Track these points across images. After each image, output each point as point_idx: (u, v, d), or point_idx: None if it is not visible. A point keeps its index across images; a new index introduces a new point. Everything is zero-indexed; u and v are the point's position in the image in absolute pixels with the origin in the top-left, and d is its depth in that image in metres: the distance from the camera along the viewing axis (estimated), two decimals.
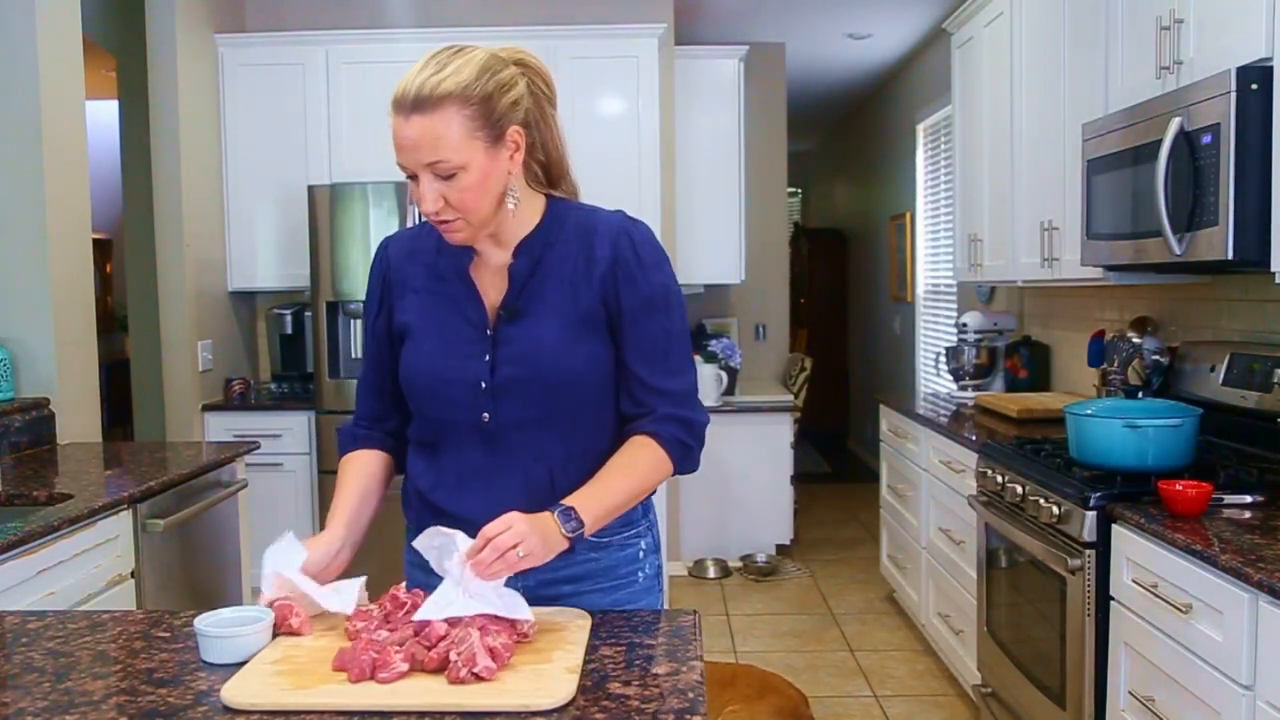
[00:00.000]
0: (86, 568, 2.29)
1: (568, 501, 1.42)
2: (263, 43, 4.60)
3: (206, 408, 4.40)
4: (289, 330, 4.63)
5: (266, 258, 4.62)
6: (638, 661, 1.30)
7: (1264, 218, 2.11)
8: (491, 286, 1.53)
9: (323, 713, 1.14)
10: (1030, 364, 4.08)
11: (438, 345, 1.53)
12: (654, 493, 1.60)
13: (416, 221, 4.08)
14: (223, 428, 4.36)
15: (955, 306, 5.61)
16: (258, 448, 3.32)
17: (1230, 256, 2.15)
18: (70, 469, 2.80)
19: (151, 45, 4.27)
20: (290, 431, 4.33)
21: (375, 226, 4.17)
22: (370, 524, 1.61)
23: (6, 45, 3.04)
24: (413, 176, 1.43)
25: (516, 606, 1.33)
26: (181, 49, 4.27)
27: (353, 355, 4.27)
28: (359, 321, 4.25)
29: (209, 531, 2.94)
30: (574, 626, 1.37)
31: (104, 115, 5.26)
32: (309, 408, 4.32)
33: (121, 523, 2.43)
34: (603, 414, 1.54)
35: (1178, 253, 2.33)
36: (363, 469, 1.62)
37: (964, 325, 4.20)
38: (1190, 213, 2.28)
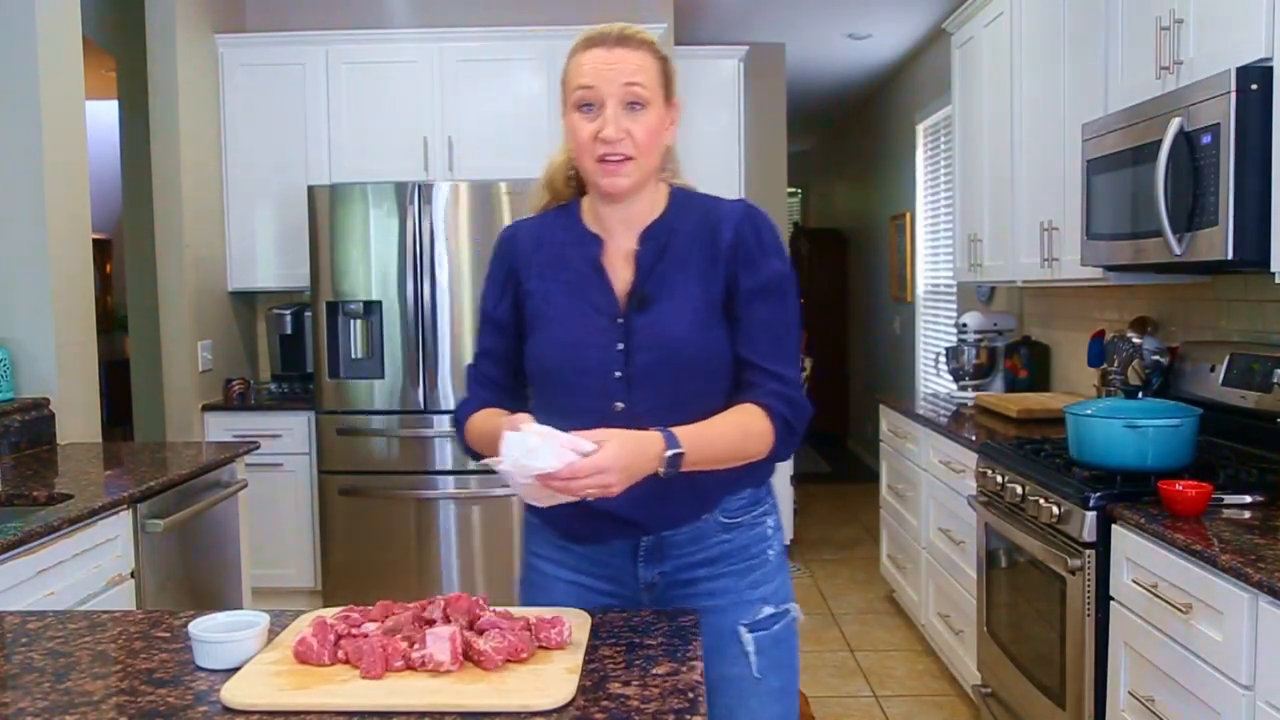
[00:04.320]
0: (86, 568, 2.29)
1: (677, 432, 1.39)
2: (263, 43, 4.60)
3: (206, 408, 4.40)
4: (289, 330, 4.63)
5: (266, 258, 4.62)
6: (638, 661, 1.30)
7: (1264, 218, 2.11)
8: (618, 275, 1.54)
9: (322, 713, 1.14)
10: (1030, 364, 4.08)
11: (569, 334, 1.53)
12: (773, 471, 1.62)
13: (418, 221, 4.12)
14: (223, 428, 4.36)
15: (955, 306, 5.61)
16: (258, 448, 3.32)
17: (1230, 256, 2.15)
18: (70, 469, 2.80)
19: (151, 45, 4.27)
20: (290, 431, 4.33)
21: (375, 226, 4.17)
22: None
23: (6, 45, 3.04)
24: (589, 106, 1.46)
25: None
26: (181, 49, 4.27)
27: (353, 355, 4.27)
28: (359, 322, 4.25)
29: (209, 531, 2.94)
30: (574, 626, 1.37)
31: (104, 115, 5.26)
32: (309, 408, 4.32)
33: (121, 523, 2.43)
34: (727, 400, 1.53)
35: (1177, 253, 2.33)
36: (499, 413, 1.56)
37: (964, 325, 4.20)
38: (1190, 213, 2.28)
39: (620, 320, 1.51)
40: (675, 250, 1.53)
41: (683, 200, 1.57)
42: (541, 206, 1.66)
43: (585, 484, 1.30)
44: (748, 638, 1.55)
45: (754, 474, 1.56)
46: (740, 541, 1.58)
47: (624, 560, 1.57)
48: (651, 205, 1.55)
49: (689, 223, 1.54)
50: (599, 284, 1.53)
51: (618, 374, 1.49)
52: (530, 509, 1.62)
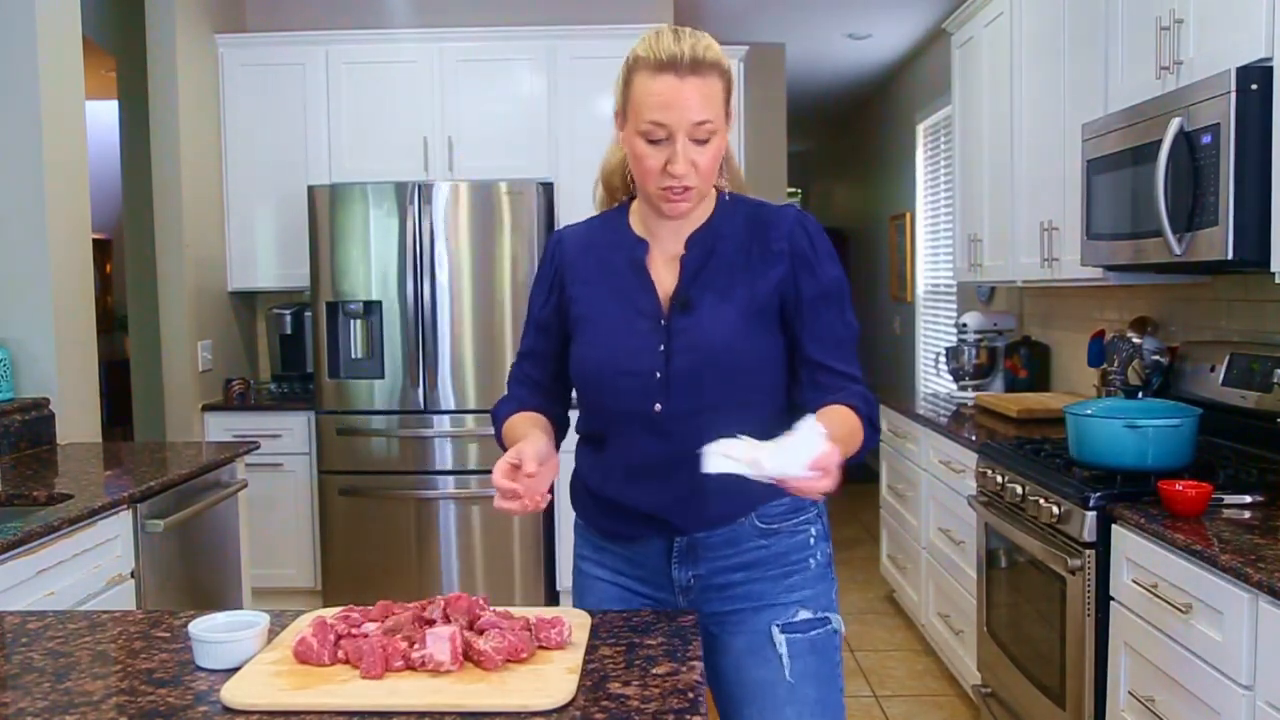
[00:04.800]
0: (86, 568, 2.29)
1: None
2: (263, 43, 4.60)
3: (206, 408, 4.40)
4: (289, 330, 4.63)
5: (266, 258, 4.62)
6: (638, 661, 1.30)
7: (1264, 218, 2.11)
8: (663, 278, 1.55)
9: (322, 713, 1.14)
10: (1030, 364, 4.08)
11: (611, 337, 1.54)
12: None
13: (418, 221, 4.12)
14: (222, 428, 4.36)
15: (955, 306, 5.61)
16: (258, 448, 3.32)
17: (1230, 256, 2.15)
18: (70, 469, 2.80)
19: (151, 45, 4.27)
20: (290, 431, 4.33)
21: (375, 226, 4.17)
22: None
23: (6, 45, 3.04)
24: (658, 140, 1.43)
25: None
26: (181, 49, 4.27)
27: (352, 355, 4.27)
28: (359, 322, 4.25)
29: (209, 531, 2.94)
30: (574, 626, 1.37)
31: (104, 115, 5.26)
32: (309, 408, 4.32)
33: (121, 523, 2.43)
34: (772, 405, 1.54)
35: (1178, 253, 2.33)
36: (533, 416, 1.61)
37: (964, 325, 4.20)
38: (1190, 213, 2.28)
39: (663, 322, 1.52)
40: (721, 255, 1.54)
41: (730, 205, 1.58)
42: (599, 200, 1.69)
43: (825, 482, 1.25)
44: (780, 638, 1.54)
45: None
46: (778, 548, 1.57)
47: (659, 561, 1.58)
48: (700, 210, 1.56)
49: (736, 227, 1.55)
50: (643, 287, 1.55)
51: (658, 375, 1.50)
52: (577, 512, 1.65)
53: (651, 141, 1.44)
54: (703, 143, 1.44)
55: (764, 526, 1.55)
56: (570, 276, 1.61)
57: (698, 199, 1.49)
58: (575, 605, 1.64)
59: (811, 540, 1.60)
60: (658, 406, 1.50)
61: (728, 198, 1.59)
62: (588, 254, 1.61)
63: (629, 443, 1.55)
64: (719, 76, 1.44)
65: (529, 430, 1.54)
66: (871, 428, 1.50)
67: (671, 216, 1.52)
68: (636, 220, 1.60)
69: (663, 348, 1.51)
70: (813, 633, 1.56)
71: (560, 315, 1.62)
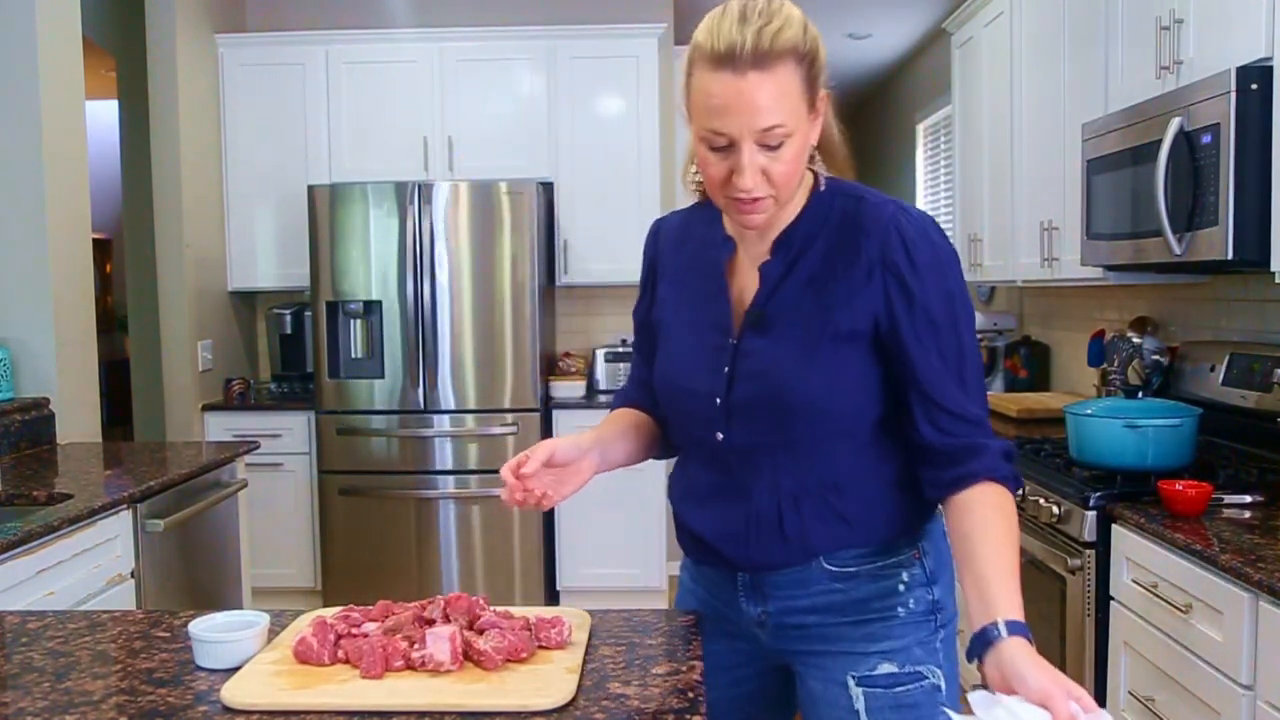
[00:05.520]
0: (86, 568, 2.29)
1: (1013, 616, 1.14)
2: (263, 43, 4.60)
3: (206, 408, 4.40)
4: (289, 330, 4.63)
5: (266, 258, 4.62)
6: (638, 661, 1.30)
7: (1264, 218, 2.11)
8: (744, 288, 1.36)
9: (322, 713, 1.14)
10: (1030, 364, 4.08)
11: (682, 349, 1.40)
12: (931, 519, 1.40)
13: (418, 221, 4.12)
14: (223, 428, 4.36)
15: None
16: (258, 448, 3.32)
17: (1230, 256, 2.15)
18: (70, 469, 2.80)
19: (151, 45, 4.27)
20: (290, 431, 4.33)
21: (375, 226, 4.17)
22: (623, 459, 1.47)
23: (6, 45, 3.04)
24: (721, 147, 1.22)
25: None
26: (181, 49, 4.27)
27: (353, 355, 4.27)
28: (359, 321, 4.25)
29: (209, 531, 2.94)
30: (574, 626, 1.37)
31: (104, 115, 5.26)
32: (309, 408, 4.32)
33: (121, 523, 2.43)
34: (847, 445, 1.33)
35: (1177, 253, 2.33)
36: (628, 414, 1.50)
37: None
38: (1190, 213, 2.28)
39: (732, 340, 1.35)
40: (807, 264, 1.32)
41: (826, 199, 1.34)
42: (691, 184, 1.45)
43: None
44: (856, 691, 1.35)
45: (865, 529, 1.35)
46: (857, 594, 1.36)
47: (729, 592, 1.43)
48: (793, 205, 1.33)
49: (829, 229, 1.32)
50: (719, 296, 1.37)
51: (718, 401, 1.34)
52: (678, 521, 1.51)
53: (714, 149, 1.23)
54: (774, 148, 1.21)
55: (836, 570, 1.35)
56: (661, 273, 1.47)
57: (774, 207, 1.27)
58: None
59: (902, 586, 1.37)
60: (719, 435, 1.35)
61: (824, 188, 1.35)
62: (681, 249, 1.45)
63: (695, 466, 1.43)
64: (794, 64, 1.19)
65: (610, 428, 1.46)
66: (1016, 482, 1.29)
67: (748, 227, 1.31)
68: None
69: (727, 370, 1.34)
70: (898, 689, 1.35)
71: (648, 313, 1.49)
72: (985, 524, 1.23)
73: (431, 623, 1.33)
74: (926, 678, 1.36)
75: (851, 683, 1.36)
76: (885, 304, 1.29)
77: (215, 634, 1.30)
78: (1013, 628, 1.13)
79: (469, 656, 1.26)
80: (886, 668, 1.36)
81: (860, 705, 1.35)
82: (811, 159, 1.34)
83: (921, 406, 1.30)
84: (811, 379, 1.29)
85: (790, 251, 1.33)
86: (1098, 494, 2.26)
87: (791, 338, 1.31)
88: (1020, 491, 1.31)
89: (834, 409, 1.31)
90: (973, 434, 1.29)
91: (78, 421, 3.22)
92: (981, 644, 1.14)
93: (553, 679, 1.21)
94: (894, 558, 1.37)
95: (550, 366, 4.59)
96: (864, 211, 1.32)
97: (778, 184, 1.24)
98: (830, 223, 1.33)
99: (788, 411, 1.31)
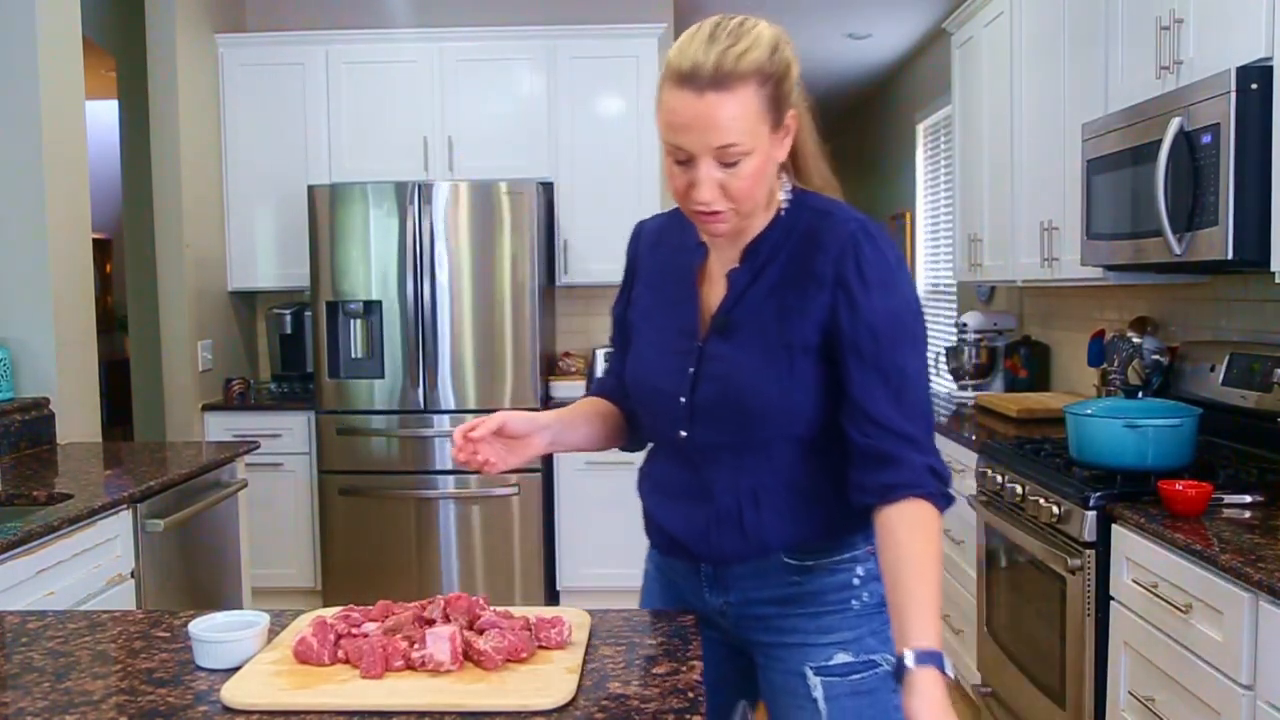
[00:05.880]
0: (86, 568, 2.29)
1: (924, 645, 1.19)
2: (263, 43, 4.60)
3: (206, 408, 4.40)
4: (289, 330, 4.63)
5: (266, 258, 4.62)
6: (638, 661, 1.30)
7: (1264, 218, 2.11)
8: (712, 292, 1.42)
9: (322, 713, 1.14)
10: (1030, 364, 4.08)
11: (651, 350, 1.46)
12: (857, 526, 1.43)
13: (418, 221, 4.12)
14: (223, 428, 4.36)
15: (955, 306, 5.61)
16: (258, 448, 3.32)
17: (1230, 256, 2.15)
18: (70, 469, 2.80)
19: (151, 45, 4.27)
20: (290, 431, 4.33)
21: (375, 226, 4.17)
22: (580, 444, 1.56)
23: (6, 45, 3.04)
24: (683, 161, 1.28)
25: None
26: (181, 49, 4.27)
27: (353, 355, 4.27)
28: (359, 321, 4.26)
29: (209, 531, 2.94)
30: (574, 626, 1.37)
31: (104, 115, 5.26)
32: (309, 408, 4.32)
33: (121, 523, 2.43)
34: (804, 447, 1.38)
35: (1177, 253, 2.33)
36: (596, 403, 1.57)
37: (964, 325, 4.20)
38: (1190, 213, 2.28)
39: (698, 344, 1.40)
40: (771, 275, 1.37)
41: (795, 212, 1.39)
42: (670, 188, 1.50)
43: None
44: (815, 680, 1.40)
45: (820, 526, 1.41)
46: (813, 587, 1.42)
47: (693, 582, 1.50)
48: (763, 217, 1.38)
49: (793, 241, 1.37)
50: (689, 301, 1.43)
51: (682, 400, 1.40)
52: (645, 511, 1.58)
53: (677, 162, 1.28)
54: (732, 165, 1.26)
55: (794, 563, 1.41)
56: (639, 274, 1.53)
57: (736, 219, 1.32)
58: (643, 605, 1.61)
59: (857, 580, 1.43)
60: (683, 433, 1.41)
61: (790, 202, 1.39)
62: (656, 251, 1.51)
63: (665, 463, 1.49)
64: (756, 86, 1.24)
65: (573, 413, 1.53)
66: (945, 501, 1.31)
67: (711, 234, 1.37)
68: None
69: (692, 371, 1.40)
70: (854, 677, 1.40)
71: (625, 313, 1.55)
72: (906, 547, 1.27)
73: (431, 623, 1.33)
74: (881, 665, 1.41)
75: (810, 673, 1.41)
76: (831, 315, 1.33)
77: (215, 634, 1.30)
78: (921, 658, 1.18)
79: (469, 656, 1.26)
80: (842, 657, 1.41)
81: (819, 694, 1.41)
82: (798, 176, 1.41)
83: (850, 415, 1.33)
84: (769, 384, 1.35)
85: (758, 260, 1.38)
86: (1098, 494, 2.26)
87: (753, 344, 1.36)
88: (946, 509, 1.32)
89: (790, 413, 1.36)
90: (899, 444, 1.31)
91: (78, 421, 3.22)
92: (898, 672, 1.20)
93: (553, 679, 1.21)
94: (849, 553, 1.43)
95: (550, 366, 4.59)
96: (826, 226, 1.36)
97: (736, 198, 1.29)
98: (795, 235, 1.37)
99: (747, 414, 1.36)
